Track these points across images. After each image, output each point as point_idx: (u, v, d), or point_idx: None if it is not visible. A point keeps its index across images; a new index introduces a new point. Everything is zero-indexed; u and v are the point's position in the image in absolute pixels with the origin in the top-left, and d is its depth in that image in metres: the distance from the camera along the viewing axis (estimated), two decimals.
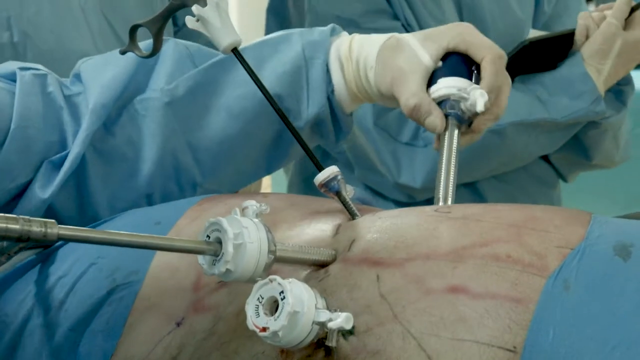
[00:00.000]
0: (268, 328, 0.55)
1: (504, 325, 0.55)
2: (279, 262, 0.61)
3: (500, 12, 1.40)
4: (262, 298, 0.56)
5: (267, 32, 1.48)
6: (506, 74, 0.87)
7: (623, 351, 0.52)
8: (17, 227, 0.52)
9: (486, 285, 0.57)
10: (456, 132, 0.84)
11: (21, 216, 0.52)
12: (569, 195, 2.09)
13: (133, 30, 0.81)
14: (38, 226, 0.52)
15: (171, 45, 0.89)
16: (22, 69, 0.84)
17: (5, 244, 0.57)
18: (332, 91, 0.88)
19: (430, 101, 0.83)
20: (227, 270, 0.57)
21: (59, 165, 0.81)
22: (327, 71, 0.88)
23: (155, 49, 0.80)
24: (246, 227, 0.57)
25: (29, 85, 0.82)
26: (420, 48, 0.86)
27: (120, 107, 0.86)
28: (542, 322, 0.54)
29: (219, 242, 0.57)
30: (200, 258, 0.59)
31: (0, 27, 1.11)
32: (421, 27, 1.33)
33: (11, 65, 0.84)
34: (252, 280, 0.58)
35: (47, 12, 1.15)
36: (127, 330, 0.68)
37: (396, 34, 0.88)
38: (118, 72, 0.86)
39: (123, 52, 0.82)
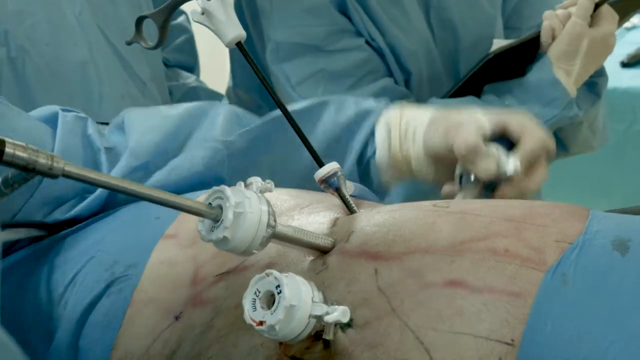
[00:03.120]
0: (265, 322, 0.55)
1: (501, 319, 0.55)
2: (277, 239, 0.60)
3: (469, 10, 1.38)
4: (259, 292, 0.56)
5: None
6: (544, 164, 0.87)
7: (621, 346, 0.52)
8: (24, 155, 0.51)
9: (484, 279, 0.57)
10: (477, 194, 0.84)
11: (30, 145, 0.52)
12: (566, 191, 2.09)
13: (139, 21, 0.81)
14: (45, 158, 0.52)
15: (222, 107, 0.91)
16: (64, 110, 0.85)
17: (10, 174, 0.56)
18: (374, 153, 0.89)
19: (487, 149, 0.83)
20: (225, 237, 0.56)
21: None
22: (372, 134, 0.90)
23: (161, 41, 0.80)
24: (249, 197, 0.57)
25: (70, 125, 0.83)
26: (481, 112, 0.87)
27: (170, 155, 0.86)
28: (540, 316, 0.54)
29: (221, 209, 0.57)
30: (199, 224, 0.58)
31: None
32: (386, 40, 1.32)
33: (51, 108, 0.85)
34: (247, 253, 0.58)
35: (44, 26, 1.14)
36: (126, 323, 0.68)
37: None
38: (160, 123, 0.86)
39: (129, 43, 0.82)
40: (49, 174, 0.53)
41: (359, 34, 1.32)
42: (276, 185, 0.86)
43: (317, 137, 0.88)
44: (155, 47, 0.81)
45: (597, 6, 1.24)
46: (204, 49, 1.61)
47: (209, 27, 0.78)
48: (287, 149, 0.88)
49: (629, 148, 2.02)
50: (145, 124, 0.86)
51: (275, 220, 0.59)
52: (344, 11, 1.32)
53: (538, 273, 0.57)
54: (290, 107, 0.87)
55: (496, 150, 0.84)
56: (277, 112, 0.88)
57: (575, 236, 0.59)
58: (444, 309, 0.56)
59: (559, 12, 1.28)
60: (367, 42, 1.32)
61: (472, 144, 0.83)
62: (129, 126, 0.87)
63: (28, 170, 0.52)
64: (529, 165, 0.85)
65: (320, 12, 1.30)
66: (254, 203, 0.57)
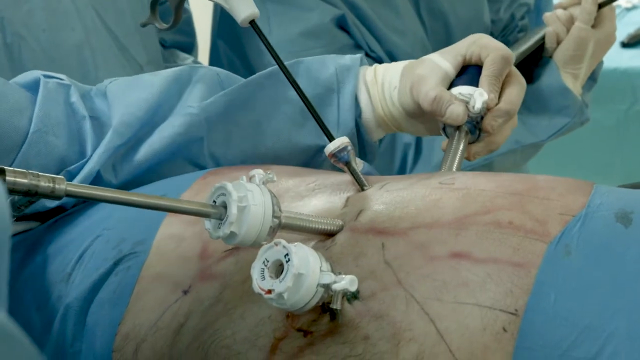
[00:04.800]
0: (273, 290, 0.55)
1: (505, 289, 0.56)
2: (285, 229, 0.61)
3: None
4: (268, 261, 0.57)
5: (213, 56, 1.44)
6: (517, 73, 0.86)
7: (624, 316, 0.53)
8: (25, 181, 0.52)
9: (488, 251, 0.58)
10: (463, 139, 0.83)
11: (30, 171, 0.53)
12: (567, 171, 2.10)
13: (154, 3, 0.81)
14: (46, 181, 0.53)
15: (203, 71, 0.90)
16: (46, 76, 0.83)
17: (16, 197, 0.57)
18: (360, 115, 0.88)
19: (451, 94, 0.83)
20: (232, 232, 0.58)
21: (75, 176, 0.81)
22: (355, 95, 0.89)
23: (175, 22, 0.80)
24: (251, 190, 0.58)
25: (52, 93, 0.81)
26: (439, 58, 0.86)
27: (151, 128, 0.85)
28: (543, 286, 0.55)
29: (225, 206, 0.58)
30: (206, 222, 0.59)
31: None
32: (384, 47, 1.32)
33: (34, 74, 0.84)
34: (256, 244, 0.59)
35: (40, 11, 1.14)
36: (134, 299, 0.69)
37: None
38: (143, 94, 0.85)
39: (144, 25, 0.82)
40: (52, 196, 0.54)
41: (357, 46, 1.32)
42: (260, 147, 0.86)
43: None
44: (170, 28, 0.80)
45: (600, 6, 1.24)
46: (201, 29, 1.61)
47: (222, 5, 0.78)
48: (267, 109, 0.87)
49: (629, 128, 2.03)
50: (128, 97, 0.85)
51: (280, 210, 0.60)
52: (342, 26, 1.31)
53: (542, 244, 0.58)
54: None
55: (461, 91, 0.83)
56: (255, 75, 0.88)
57: (578, 209, 0.60)
58: (449, 280, 0.57)
59: (560, 13, 1.27)
60: (366, 54, 1.32)
61: (433, 97, 0.82)
62: (113, 99, 0.85)
63: (30, 195, 0.53)
64: (497, 81, 0.84)
65: (318, 32, 1.30)
66: (257, 196, 0.58)
